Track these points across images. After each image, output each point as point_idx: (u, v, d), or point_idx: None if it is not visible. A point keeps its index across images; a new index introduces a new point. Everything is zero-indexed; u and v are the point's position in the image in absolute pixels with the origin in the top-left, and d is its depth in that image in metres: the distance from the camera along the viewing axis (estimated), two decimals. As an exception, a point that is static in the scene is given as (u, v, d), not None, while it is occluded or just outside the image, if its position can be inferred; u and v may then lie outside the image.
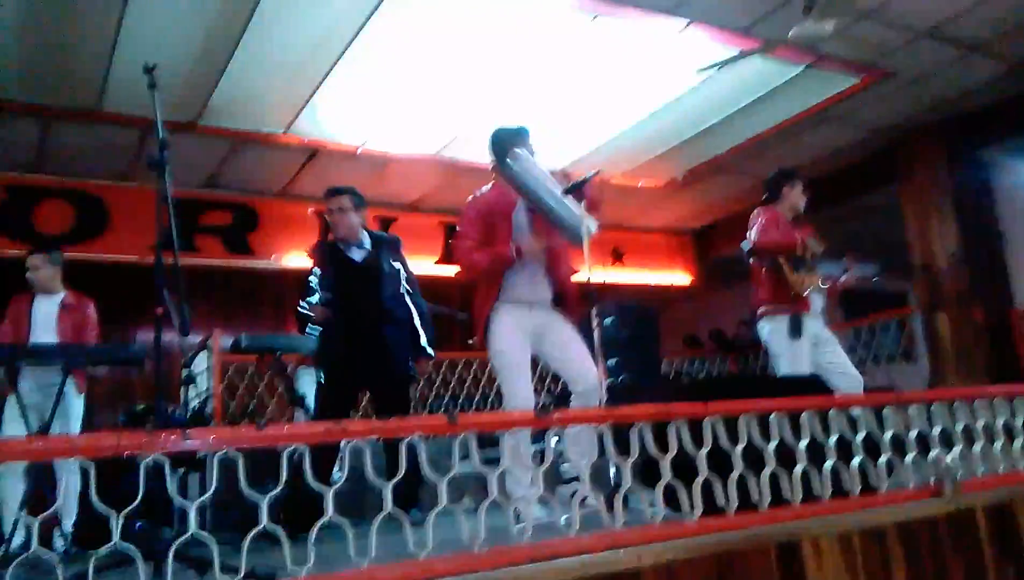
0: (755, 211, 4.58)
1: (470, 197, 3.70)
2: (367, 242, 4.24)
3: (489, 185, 3.68)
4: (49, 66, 5.41)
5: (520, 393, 3.41)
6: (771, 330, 4.35)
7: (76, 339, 4.60)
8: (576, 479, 2.87)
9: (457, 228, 3.73)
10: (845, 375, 4.24)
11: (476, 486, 4.67)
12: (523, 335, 3.48)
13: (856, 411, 2.77)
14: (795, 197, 4.55)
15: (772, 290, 4.37)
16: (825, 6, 4.96)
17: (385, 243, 4.30)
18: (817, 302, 4.36)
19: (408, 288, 4.28)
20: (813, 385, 3.18)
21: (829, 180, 8.41)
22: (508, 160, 3.37)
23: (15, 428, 4.27)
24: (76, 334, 4.64)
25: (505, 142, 3.58)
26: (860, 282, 4.65)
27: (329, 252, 4.26)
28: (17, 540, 3.95)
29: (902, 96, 6.87)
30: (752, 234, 4.45)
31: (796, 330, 4.17)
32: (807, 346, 4.21)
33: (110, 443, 1.54)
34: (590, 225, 3.35)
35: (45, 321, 4.60)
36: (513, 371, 3.46)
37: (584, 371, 3.46)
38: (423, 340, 4.27)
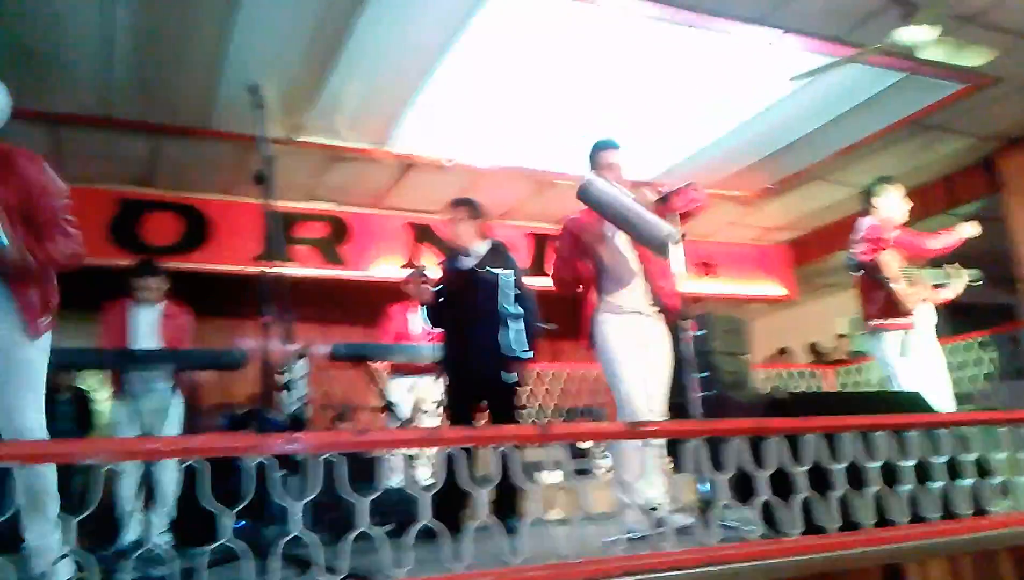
0: (857, 223, 4.44)
1: (568, 217, 3.76)
2: (480, 250, 4.33)
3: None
4: (160, 85, 5.71)
5: (634, 401, 3.40)
6: (882, 346, 4.22)
7: (174, 346, 4.80)
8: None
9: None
10: (939, 393, 4.07)
11: (566, 497, 4.69)
12: (629, 341, 3.51)
13: (965, 430, 2.65)
14: (889, 207, 4.38)
15: (880, 305, 4.22)
16: (925, 11, 4.79)
17: (493, 250, 4.38)
18: (928, 316, 4.20)
19: (517, 292, 4.32)
20: (919, 403, 3.05)
21: (929, 190, 8.11)
22: (578, 191, 3.42)
23: (122, 431, 4.50)
24: (175, 341, 4.84)
25: (590, 160, 3.68)
26: (965, 293, 4.43)
27: (448, 260, 4.43)
28: (129, 537, 4.17)
29: (1007, 102, 6.56)
30: (857, 247, 4.30)
31: (906, 346, 4.04)
32: (919, 362, 4.06)
33: (222, 444, 1.61)
34: (673, 234, 3.33)
35: (146, 330, 4.80)
36: (623, 377, 3.46)
37: (658, 407, 3.47)
38: (521, 344, 4.29)
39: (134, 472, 4.12)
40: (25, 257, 2.60)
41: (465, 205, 4.39)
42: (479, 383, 4.18)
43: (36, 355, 2.70)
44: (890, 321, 4.16)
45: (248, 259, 6.90)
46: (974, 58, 5.27)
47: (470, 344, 4.16)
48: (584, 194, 3.40)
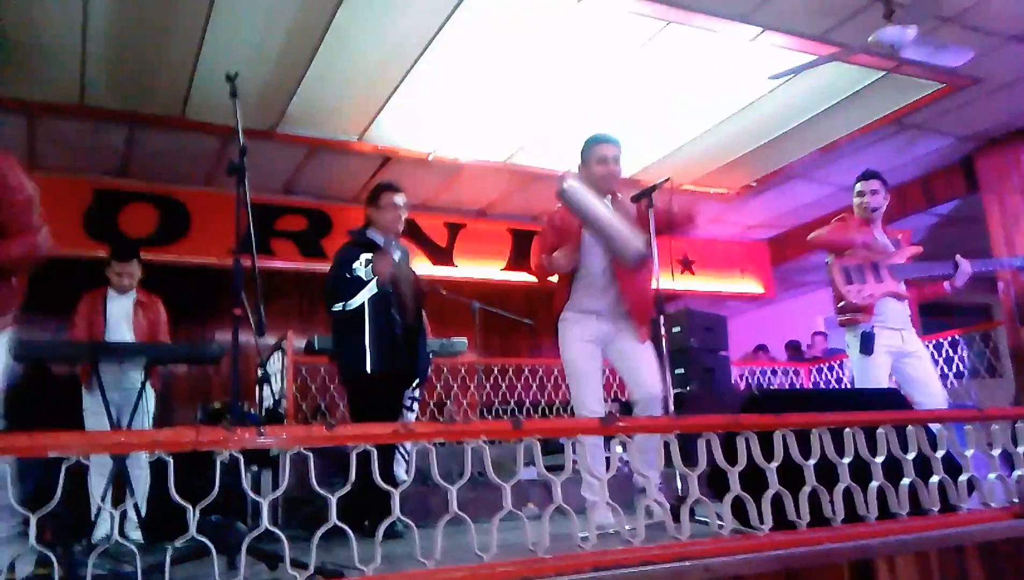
0: None
1: (551, 211, 3.75)
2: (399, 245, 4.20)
3: None
4: (136, 75, 5.65)
5: (587, 403, 3.44)
6: (847, 342, 4.24)
7: (151, 337, 4.74)
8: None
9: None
10: (927, 391, 4.07)
11: (541, 492, 4.68)
12: (590, 343, 3.52)
13: (936, 427, 2.67)
14: (856, 203, 4.37)
15: (839, 302, 4.25)
16: (907, 11, 4.82)
17: (403, 247, 4.28)
18: (896, 311, 4.18)
19: None
20: (892, 399, 3.08)
21: (908, 189, 8.19)
22: (557, 192, 3.39)
23: (95, 423, 4.43)
24: (151, 332, 4.78)
25: (582, 154, 3.64)
26: (961, 286, 4.35)
27: (367, 244, 4.10)
28: (100, 531, 4.12)
29: (986, 102, 6.63)
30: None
31: (867, 344, 4.03)
32: (883, 359, 4.06)
33: (189, 438, 1.59)
34: (642, 251, 3.33)
35: (119, 319, 4.73)
36: (580, 380, 3.50)
37: (644, 379, 3.46)
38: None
39: (104, 466, 4.06)
40: None
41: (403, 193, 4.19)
42: (398, 380, 4.05)
43: None
44: (848, 317, 4.18)
45: (226, 252, 6.86)
46: (954, 58, 5.31)
47: (409, 340, 3.99)
48: (562, 196, 3.39)
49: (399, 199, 4.10)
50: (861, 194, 4.32)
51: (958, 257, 4.22)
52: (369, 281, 3.91)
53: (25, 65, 5.32)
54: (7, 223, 2.62)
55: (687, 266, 9.54)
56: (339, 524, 1.79)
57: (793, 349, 9.86)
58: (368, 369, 3.85)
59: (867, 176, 4.37)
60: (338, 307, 3.92)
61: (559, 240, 3.58)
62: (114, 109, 6.10)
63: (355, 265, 3.94)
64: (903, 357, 4.13)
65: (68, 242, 6.79)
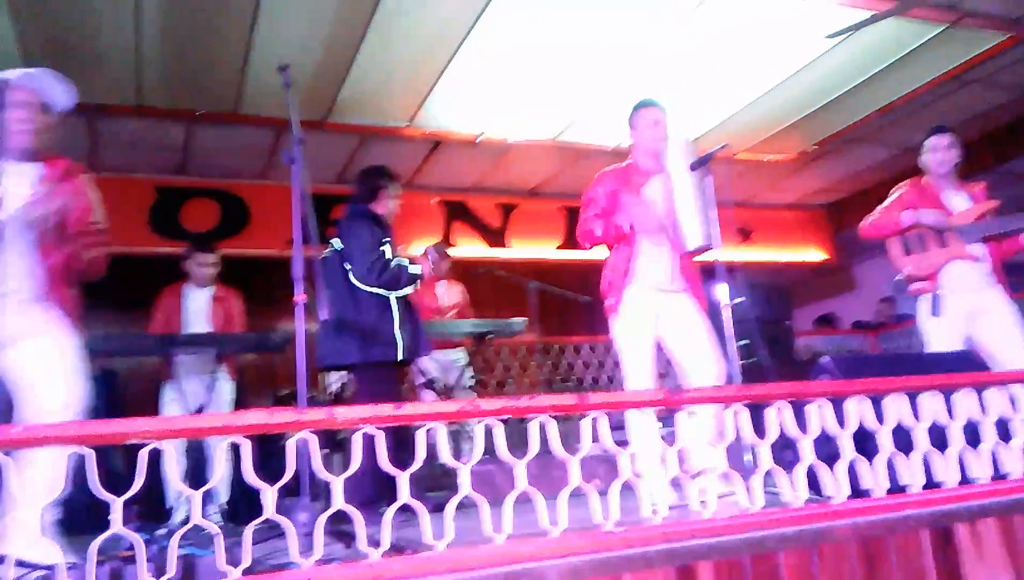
0: None
1: (603, 169, 3.70)
2: None
3: (627, 161, 3.67)
4: (190, 73, 5.76)
5: (638, 384, 3.39)
6: (917, 309, 4.09)
7: (226, 329, 4.87)
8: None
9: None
10: (1007, 350, 3.84)
11: (606, 467, 4.68)
12: (648, 323, 3.45)
13: (1017, 389, 2.57)
14: (925, 161, 4.21)
15: (900, 272, 4.11)
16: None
17: None
18: (966, 274, 4.00)
19: None
20: (967, 362, 2.98)
21: (974, 146, 7.89)
22: (669, 147, 3.36)
23: (174, 411, 4.59)
24: (228, 325, 4.91)
25: (630, 122, 3.60)
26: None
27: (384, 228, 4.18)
28: (179, 515, 4.26)
29: (1053, 52, 6.33)
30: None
31: (934, 306, 3.89)
32: (953, 324, 3.91)
33: (262, 420, 1.63)
34: (712, 242, 3.28)
35: (198, 313, 4.88)
36: (633, 362, 3.44)
37: (703, 363, 3.38)
38: None
39: (181, 452, 4.20)
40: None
41: None
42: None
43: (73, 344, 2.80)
44: (915, 286, 4.04)
45: (286, 242, 6.96)
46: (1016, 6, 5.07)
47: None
48: (667, 157, 3.34)
49: (399, 191, 4.27)
50: (934, 150, 4.15)
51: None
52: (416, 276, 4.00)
53: (83, 70, 5.45)
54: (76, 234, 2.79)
55: (745, 236, 9.37)
56: (410, 502, 1.81)
57: (824, 323, 9.54)
58: (399, 356, 3.89)
59: (937, 131, 4.20)
60: (383, 292, 3.94)
61: (613, 203, 3.51)
62: (171, 108, 6.24)
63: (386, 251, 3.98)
64: (978, 317, 3.94)
65: (135, 240, 7.03)
